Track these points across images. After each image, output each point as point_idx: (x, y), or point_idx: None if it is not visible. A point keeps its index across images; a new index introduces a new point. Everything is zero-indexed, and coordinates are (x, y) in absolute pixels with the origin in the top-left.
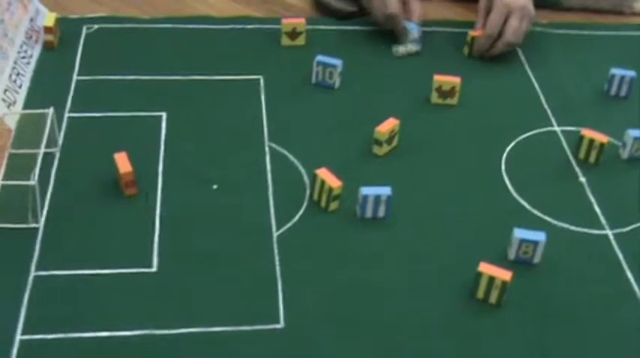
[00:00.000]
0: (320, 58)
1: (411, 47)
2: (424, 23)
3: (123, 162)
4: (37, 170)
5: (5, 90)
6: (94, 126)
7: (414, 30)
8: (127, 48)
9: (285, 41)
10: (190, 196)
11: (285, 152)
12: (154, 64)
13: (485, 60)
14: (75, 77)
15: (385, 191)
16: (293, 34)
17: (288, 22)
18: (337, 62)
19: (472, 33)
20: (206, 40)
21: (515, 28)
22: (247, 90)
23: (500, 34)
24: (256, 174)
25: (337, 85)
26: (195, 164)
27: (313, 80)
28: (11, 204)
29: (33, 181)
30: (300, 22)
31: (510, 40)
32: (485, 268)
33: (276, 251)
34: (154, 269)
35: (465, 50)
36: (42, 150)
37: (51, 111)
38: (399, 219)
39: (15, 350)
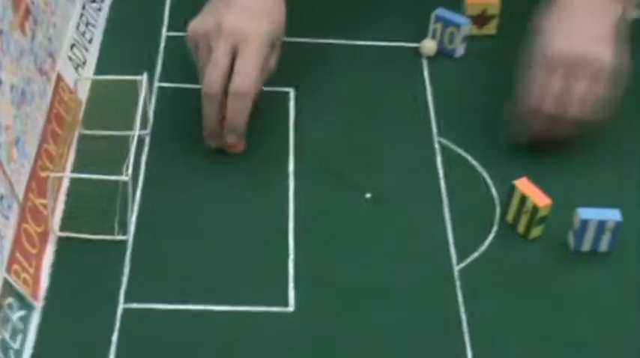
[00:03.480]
0: None
1: None
2: None
3: None
4: (130, 160)
5: (72, 46)
6: (194, 102)
7: None
8: None
9: None
10: (335, 208)
11: (463, 152)
12: None
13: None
14: (164, 32)
15: (613, 215)
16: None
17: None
18: None
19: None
20: None
21: (581, 96)
22: (405, 61)
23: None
24: (423, 182)
25: None
26: (339, 163)
27: None
28: (88, 207)
29: (125, 176)
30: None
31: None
32: None
33: (459, 290)
34: (291, 308)
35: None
36: (136, 132)
37: (144, 78)
38: (628, 254)
39: None
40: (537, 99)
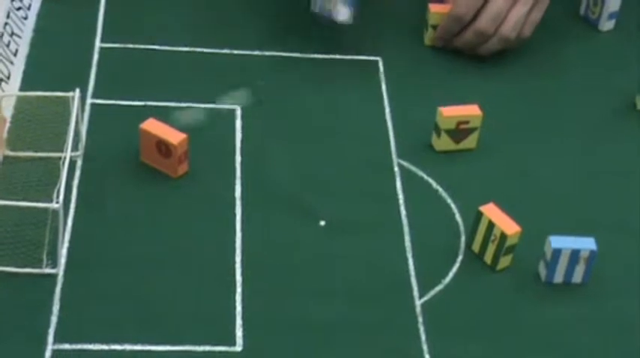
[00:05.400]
0: None
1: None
2: None
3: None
4: (62, 185)
5: None
6: (130, 119)
7: None
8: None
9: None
10: (286, 237)
11: (425, 176)
12: (217, 28)
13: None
14: (97, 44)
15: (587, 243)
16: None
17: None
18: None
19: (433, 7)
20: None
21: (518, 17)
22: (362, 76)
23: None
24: (382, 208)
25: None
26: (290, 188)
27: None
28: (13, 238)
29: (56, 203)
30: None
31: (509, 35)
32: None
33: (421, 327)
34: (239, 348)
35: (426, 35)
36: (67, 153)
37: (76, 94)
38: (604, 286)
39: None
40: (465, 14)
